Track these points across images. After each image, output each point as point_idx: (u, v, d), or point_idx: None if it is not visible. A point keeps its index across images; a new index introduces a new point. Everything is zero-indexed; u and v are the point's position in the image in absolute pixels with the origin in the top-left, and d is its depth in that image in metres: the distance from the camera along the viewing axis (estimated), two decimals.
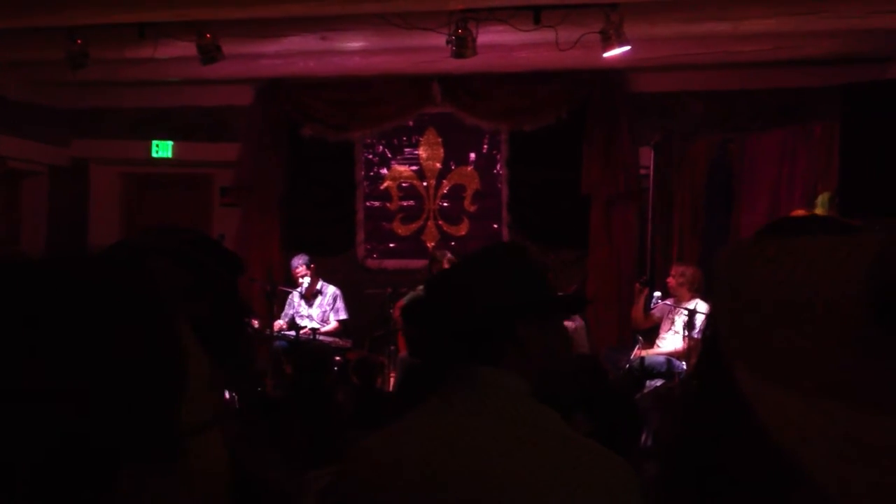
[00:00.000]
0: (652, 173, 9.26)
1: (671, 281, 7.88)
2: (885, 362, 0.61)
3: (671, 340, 7.81)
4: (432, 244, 10.17)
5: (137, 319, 0.82)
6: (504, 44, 7.65)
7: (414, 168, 10.38)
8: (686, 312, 7.50)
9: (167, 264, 1.43)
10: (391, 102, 10.10)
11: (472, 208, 10.22)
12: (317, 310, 9.16)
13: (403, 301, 8.53)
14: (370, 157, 10.47)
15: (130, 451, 0.78)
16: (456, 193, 10.28)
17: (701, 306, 7.47)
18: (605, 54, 7.09)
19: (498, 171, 10.13)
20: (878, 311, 0.63)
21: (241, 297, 1.60)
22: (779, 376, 0.65)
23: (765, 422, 0.63)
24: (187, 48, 7.54)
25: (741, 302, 0.72)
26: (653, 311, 8.10)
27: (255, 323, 8.33)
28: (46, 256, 0.86)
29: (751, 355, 0.68)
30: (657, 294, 7.84)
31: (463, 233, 10.20)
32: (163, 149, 10.79)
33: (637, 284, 8.29)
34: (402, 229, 10.42)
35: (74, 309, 0.79)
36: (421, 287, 8.25)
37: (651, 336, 8.13)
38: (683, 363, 7.48)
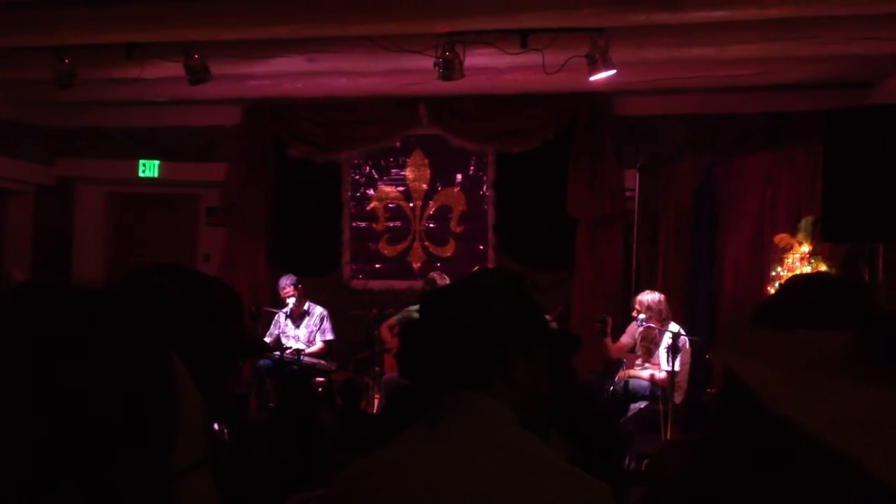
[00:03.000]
0: (637, 196, 9.29)
1: (636, 314, 7.77)
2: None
3: (652, 365, 7.77)
4: (418, 265, 10.18)
5: (134, 358, 0.82)
6: (491, 67, 7.69)
7: (400, 189, 10.40)
8: (669, 335, 7.48)
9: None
10: (378, 124, 10.13)
11: (459, 229, 10.24)
12: (303, 330, 9.13)
13: (394, 320, 8.53)
14: (357, 177, 10.48)
15: (111, 497, 0.77)
16: (442, 214, 10.30)
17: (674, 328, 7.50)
18: (592, 78, 7.14)
19: (484, 193, 10.16)
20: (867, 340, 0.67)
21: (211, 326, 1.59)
22: (776, 363, 0.68)
23: (764, 401, 0.66)
24: (175, 69, 7.55)
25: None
26: (622, 340, 8.00)
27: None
28: (57, 284, 0.86)
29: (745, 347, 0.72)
30: (642, 316, 7.80)
31: (449, 254, 10.22)
32: (149, 168, 10.78)
33: (597, 325, 7.91)
34: (388, 250, 10.42)
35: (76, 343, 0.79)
36: (412, 307, 8.19)
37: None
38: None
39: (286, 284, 9.04)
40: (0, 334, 0.79)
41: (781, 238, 7.47)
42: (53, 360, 0.78)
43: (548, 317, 8.08)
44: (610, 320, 7.85)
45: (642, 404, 7.58)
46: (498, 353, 1.63)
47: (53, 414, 0.76)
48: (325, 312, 9.21)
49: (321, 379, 8.48)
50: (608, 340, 7.85)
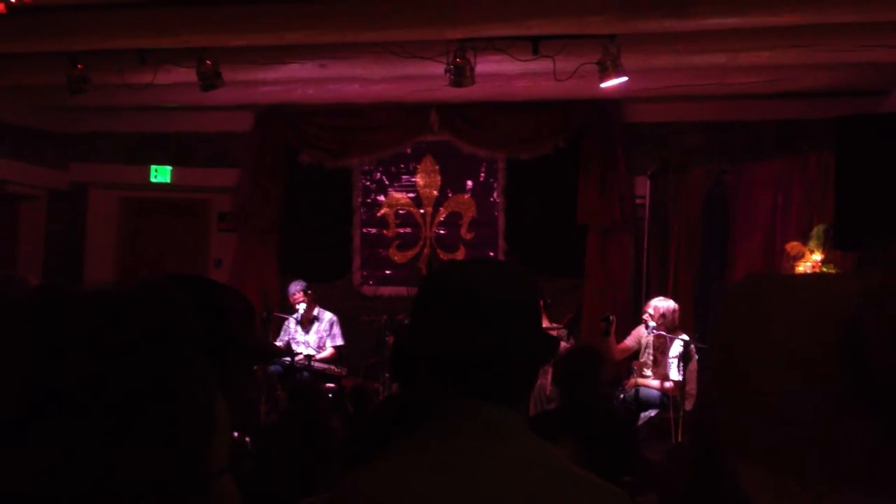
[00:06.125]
0: (648, 203, 9.28)
1: (647, 319, 7.76)
2: (856, 423, 0.61)
3: (661, 374, 7.74)
4: (425, 273, 10.17)
5: (157, 359, 0.82)
6: (502, 73, 7.69)
7: (411, 195, 10.41)
8: (680, 344, 7.46)
9: None
10: (389, 130, 10.15)
11: (469, 236, 10.24)
12: (313, 336, 9.14)
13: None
14: (368, 183, 10.50)
15: (158, 496, 0.78)
16: (452, 221, 10.30)
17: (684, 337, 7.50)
18: (603, 84, 7.13)
19: (494, 199, 10.16)
20: (852, 368, 0.64)
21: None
22: (769, 457, 0.64)
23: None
24: (187, 74, 7.58)
25: (729, 337, 0.73)
26: (626, 342, 7.98)
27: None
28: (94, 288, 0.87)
29: (740, 428, 0.67)
30: (652, 324, 7.78)
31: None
32: (161, 174, 10.82)
33: (601, 324, 7.86)
34: (398, 256, 10.43)
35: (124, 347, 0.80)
36: None
37: (630, 360, 8.11)
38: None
39: (296, 290, 9.05)
40: (13, 337, 0.80)
41: (793, 246, 7.44)
42: (67, 363, 0.78)
43: (557, 325, 8.11)
44: (614, 319, 7.81)
45: (653, 412, 7.56)
46: (535, 371, 1.62)
47: (70, 418, 0.77)
48: (335, 318, 9.21)
49: (331, 385, 8.48)
50: (612, 340, 7.83)
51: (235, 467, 0.90)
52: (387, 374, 8.37)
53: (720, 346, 0.75)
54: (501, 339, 1.52)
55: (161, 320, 0.85)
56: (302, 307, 9.03)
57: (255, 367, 8.20)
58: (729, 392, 0.70)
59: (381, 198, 10.48)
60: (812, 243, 7.34)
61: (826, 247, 7.20)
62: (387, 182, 10.47)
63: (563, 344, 7.39)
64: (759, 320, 0.71)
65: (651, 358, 7.80)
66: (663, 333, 7.63)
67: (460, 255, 10.21)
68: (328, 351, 9.09)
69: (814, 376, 0.65)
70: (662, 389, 7.62)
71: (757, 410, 0.66)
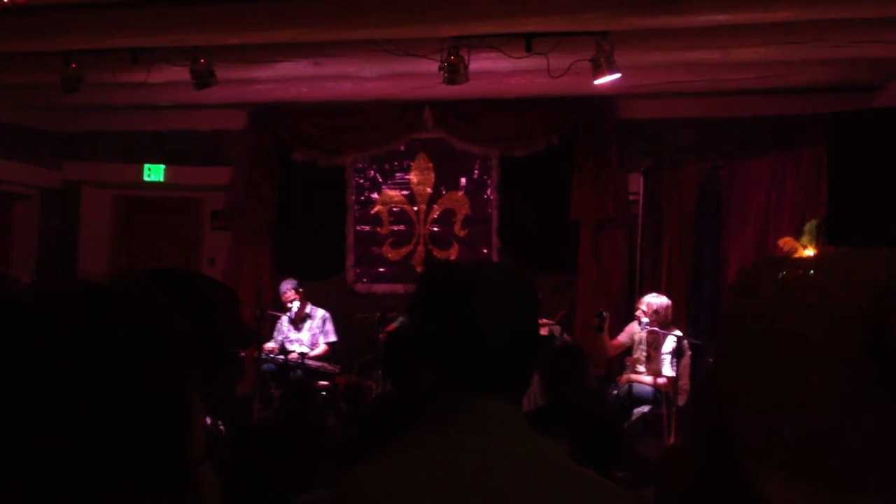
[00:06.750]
0: (641, 199, 9.28)
1: (640, 315, 7.77)
2: (874, 413, 0.61)
3: (654, 370, 7.75)
4: (422, 269, 10.17)
5: (145, 352, 0.83)
6: (496, 70, 7.70)
7: (405, 193, 10.41)
8: (673, 339, 7.48)
9: None
10: (383, 127, 10.14)
11: (463, 233, 10.24)
12: (306, 333, 9.14)
13: (394, 326, 8.52)
14: (361, 181, 10.49)
15: (140, 485, 0.78)
16: (446, 218, 10.31)
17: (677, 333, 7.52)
18: (596, 81, 7.13)
19: (488, 197, 10.16)
20: (873, 363, 0.64)
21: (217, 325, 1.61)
22: (787, 459, 0.63)
23: None
24: (181, 73, 7.57)
25: (742, 331, 0.73)
26: (619, 338, 8.00)
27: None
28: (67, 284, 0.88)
29: (756, 427, 0.67)
30: (645, 320, 7.79)
31: (453, 258, 10.21)
32: (155, 172, 10.80)
33: (595, 320, 7.89)
34: (392, 254, 10.43)
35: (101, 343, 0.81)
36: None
37: (623, 356, 8.13)
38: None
39: (287, 289, 9.05)
40: (4, 336, 0.80)
41: (786, 241, 7.46)
42: (63, 359, 0.78)
43: (550, 321, 8.12)
44: (608, 315, 7.83)
45: (646, 408, 7.57)
46: (533, 367, 1.60)
47: (63, 415, 0.77)
48: (328, 314, 9.22)
49: (325, 383, 8.48)
50: (605, 336, 7.84)
51: (211, 454, 0.91)
52: (380, 372, 8.37)
53: (732, 338, 0.74)
54: (502, 334, 1.51)
55: (145, 315, 0.85)
56: (295, 305, 9.03)
57: (242, 355, 8.24)
58: (744, 388, 0.70)
59: (375, 195, 10.48)
60: (805, 239, 7.36)
61: (819, 242, 7.21)
62: (380, 179, 10.47)
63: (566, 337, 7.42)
64: (771, 313, 0.71)
65: (644, 354, 7.82)
66: (656, 329, 7.64)
67: (454, 252, 10.22)
68: (321, 348, 9.09)
69: (833, 372, 0.65)
70: (655, 385, 7.63)
71: (774, 408, 0.66)
